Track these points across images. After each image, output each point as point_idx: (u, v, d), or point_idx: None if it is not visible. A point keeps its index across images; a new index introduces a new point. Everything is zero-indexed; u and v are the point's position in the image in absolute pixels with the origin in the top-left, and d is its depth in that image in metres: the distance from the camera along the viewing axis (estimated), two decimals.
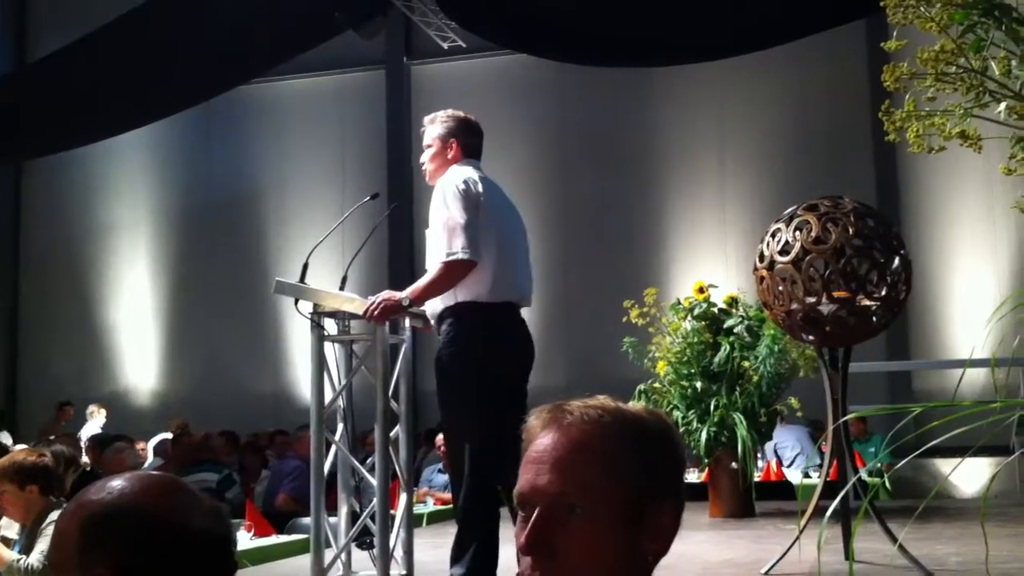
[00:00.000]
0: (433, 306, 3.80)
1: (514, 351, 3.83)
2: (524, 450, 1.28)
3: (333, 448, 4.04)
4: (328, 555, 3.89)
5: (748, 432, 6.50)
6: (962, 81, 2.24)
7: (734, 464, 6.61)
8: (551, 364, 11.07)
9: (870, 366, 8.44)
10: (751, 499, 6.74)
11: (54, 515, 3.74)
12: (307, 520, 4.82)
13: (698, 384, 6.72)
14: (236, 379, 13.47)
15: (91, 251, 14.54)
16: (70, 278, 14.47)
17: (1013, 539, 4.96)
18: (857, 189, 7.85)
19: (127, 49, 11.17)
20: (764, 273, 4.39)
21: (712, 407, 6.64)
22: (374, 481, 3.85)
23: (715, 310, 6.93)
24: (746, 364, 6.65)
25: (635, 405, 1.32)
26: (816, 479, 6.53)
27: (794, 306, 4.29)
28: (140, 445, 8.74)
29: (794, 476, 8.29)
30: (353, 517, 4.07)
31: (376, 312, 3.73)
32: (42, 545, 3.75)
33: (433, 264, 3.73)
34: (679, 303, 7.04)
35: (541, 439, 1.26)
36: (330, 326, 4.05)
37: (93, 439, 8.18)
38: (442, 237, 3.70)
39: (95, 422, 11.82)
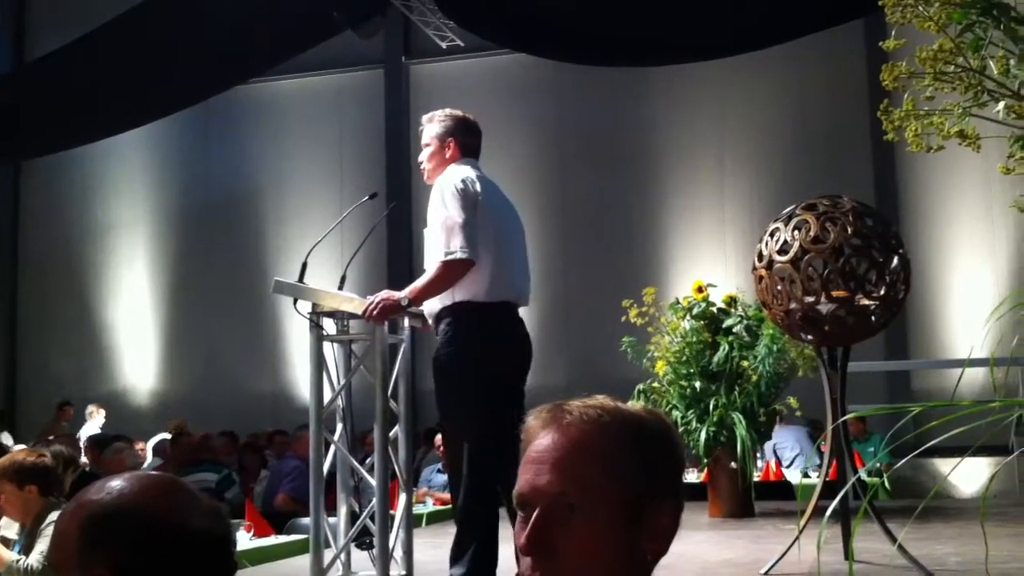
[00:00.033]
0: (431, 306, 3.79)
1: (512, 351, 3.83)
2: (523, 450, 1.28)
3: (332, 448, 4.04)
4: (327, 555, 3.89)
5: (747, 432, 6.50)
6: (960, 80, 2.24)
7: (733, 464, 6.61)
8: (550, 364, 11.07)
9: (869, 366, 8.44)
10: (750, 499, 6.74)
11: (54, 515, 3.74)
12: (306, 520, 4.82)
13: (697, 384, 6.72)
14: (235, 379, 13.46)
15: (90, 251, 14.54)
16: (69, 278, 14.47)
17: (1013, 539, 4.96)
18: (856, 188, 7.84)
19: (126, 49, 11.17)
20: (763, 272, 4.39)
21: (711, 407, 6.63)
22: (373, 481, 3.85)
23: (714, 310, 6.93)
24: (745, 364, 6.65)
25: (634, 405, 1.32)
26: (815, 479, 6.53)
27: (793, 305, 4.29)
28: (139, 445, 8.73)
29: (793, 476, 8.29)
30: (352, 517, 4.07)
31: (375, 312, 3.73)
32: (42, 545, 3.75)
33: (432, 263, 3.73)
34: (678, 303, 7.04)
35: (540, 439, 1.26)
36: (329, 326, 4.05)
37: (92, 439, 8.17)
38: (440, 236, 3.70)
39: (94, 422, 11.82)
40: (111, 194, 14.54)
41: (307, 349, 4.02)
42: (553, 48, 10.74)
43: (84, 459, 7.29)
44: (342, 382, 4.05)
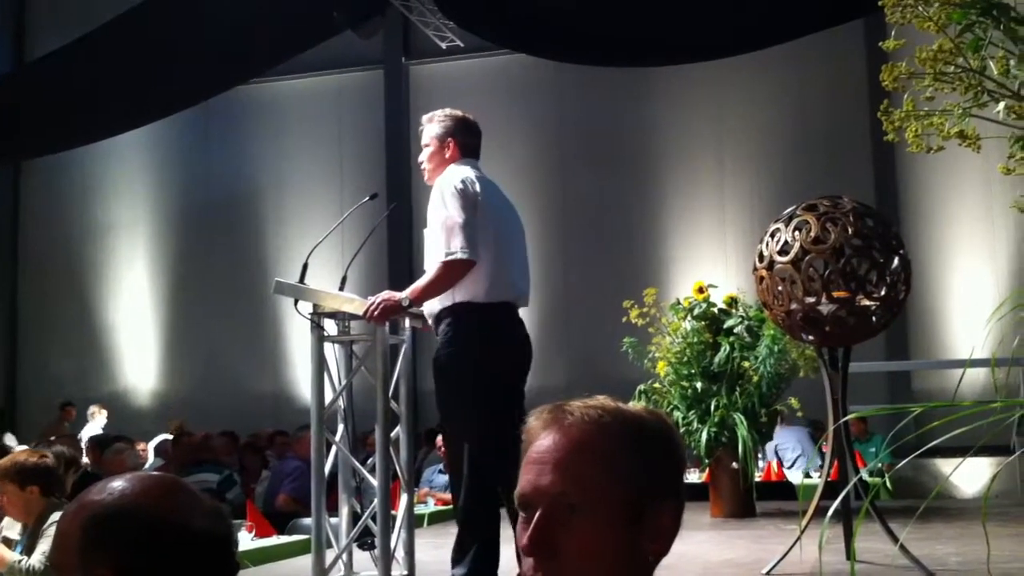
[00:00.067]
0: (431, 306, 3.79)
1: (512, 351, 3.82)
2: (524, 451, 1.28)
3: (333, 449, 4.05)
4: (329, 556, 3.89)
5: (748, 432, 6.50)
6: (960, 81, 2.24)
7: (735, 464, 6.61)
8: (551, 364, 11.08)
9: (870, 366, 8.44)
10: (752, 499, 6.74)
11: (55, 516, 3.74)
12: (308, 521, 4.82)
13: (698, 384, 6.71)
14: (235, 379, 13.47)
15: (90, 251, 14.54)
16: (69, 278, 14.47)
17: (1014, 539, 4.96)
18: (856, 189, 7.85)
19: (126, 49, 11.17)
20: (763, 273, 4.39)
21: (712, 407, 6.63)
22: (375, 481, 3.85)
23: (715, 310, 6.93)
24: (746, 364, 6.65)
25: (635, 405, 1.32)
26: (817, 479, 6.53)
27: (794, 306, 4.29)
28: (140, 446, 8.73)
29: (795, 476, 8.29)
30: (354, 518, 4.07)
31: (376, 312, 3.73)
32: (44, 546, 3.75)
33: (432, 264, 3.73)
34: (679, 303, 7.03)
35: (542, 440, 1.26)
36: (330, 326, 4.05)
37: (93, 440, 8.16)
38: (440, 237, 3.70)
39: (96, 423, 11.82)
40: (111, 194, 14.55)
41: (308, 349, 4.02)
42: (553, 48, 10.74)
43: (85, 460, 7.29)
44: (343, 383, 4.05)
